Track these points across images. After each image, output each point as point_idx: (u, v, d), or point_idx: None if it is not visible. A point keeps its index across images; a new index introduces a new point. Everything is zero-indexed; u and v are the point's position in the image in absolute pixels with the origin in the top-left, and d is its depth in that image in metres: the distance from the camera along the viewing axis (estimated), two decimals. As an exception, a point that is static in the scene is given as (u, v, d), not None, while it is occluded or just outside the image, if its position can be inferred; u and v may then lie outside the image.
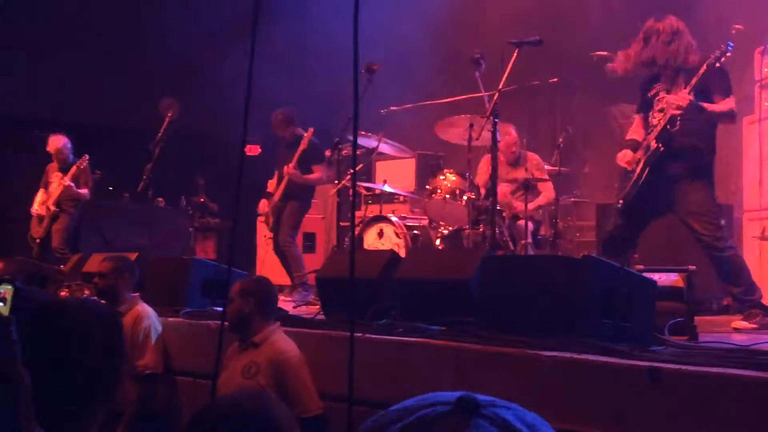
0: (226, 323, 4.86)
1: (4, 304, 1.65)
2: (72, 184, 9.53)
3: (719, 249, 5.40)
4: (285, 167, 8.24)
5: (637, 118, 5.98)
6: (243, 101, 2.13)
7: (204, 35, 11.78)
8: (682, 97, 5.35)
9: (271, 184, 8.77)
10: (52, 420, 1.69)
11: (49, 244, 9.62)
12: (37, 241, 9.68)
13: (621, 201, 5.70)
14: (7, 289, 1.65)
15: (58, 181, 9.61)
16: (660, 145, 5.51)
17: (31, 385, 1.56)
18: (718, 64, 5.36)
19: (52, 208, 9.55)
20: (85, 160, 9.63)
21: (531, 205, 8.18)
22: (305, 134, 8.30)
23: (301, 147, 8.21)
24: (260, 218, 10.37)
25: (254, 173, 9.56)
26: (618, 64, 5.87)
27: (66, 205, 9.67)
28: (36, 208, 9.72)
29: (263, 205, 8.60)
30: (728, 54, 5.35)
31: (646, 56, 5.62)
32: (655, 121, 5.64)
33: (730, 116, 5.57)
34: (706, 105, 5.40)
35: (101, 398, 1.92)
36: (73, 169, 9.59)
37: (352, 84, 2.04)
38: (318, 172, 8.37)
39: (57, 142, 9.74)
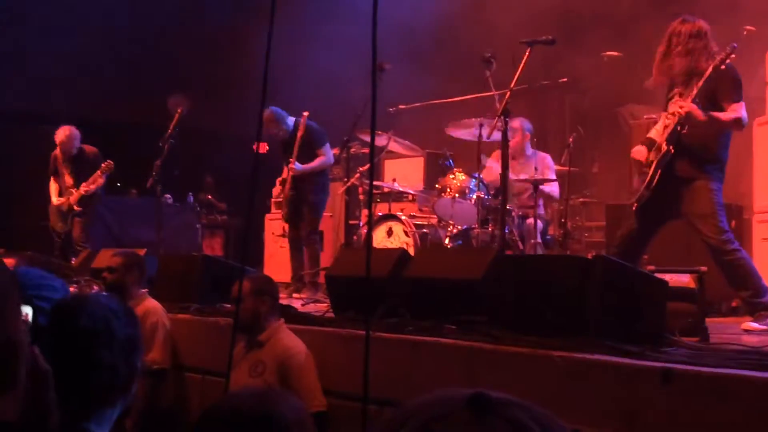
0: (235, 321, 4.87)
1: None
2: (92, 189, 9.45)
3: (726, 252, 5.35)
4: (290, 162, 8.08)
5: (662, 116, 5.93)
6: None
7: (214, 31, 11.79)
8: (684, 105, 5.34)
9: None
10: (73, 415, 1.70)
11: (71, 236, 9.57)
12: (62, 234, 9.63)
13: (635, 204, 5.67)
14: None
15: (78, 185, 9.48)
16: (670, 148, 5.49)
17: (54, 377, 1.59)
18: (723, 66, 5.33)
19: (77, 208, 9.47)
20: (110, 167, 9.51)
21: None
22: (300, 120, 8.12)
23: (299, 133, 8.04)
24: (268, 216, 10.38)
25: (262, 171, 9.58)
26: (653, 78, 5.85)
27: (87, 204, 9.64)
28: (56, 200, 9.60)
29: (277, 191, 8.54)
30: (732, 56, 5.31)
31: (666, 65, 5.61)
32: (667, 123, 5.62)
33: (736, 124, 5.47)
34: (711, 114, 5.36)
35: (120, 393, 1.93)
36: (97, 174, 9.48)
37: (371, 84, 2.02)
38: (321, 156, 8.21)
39: (65, 132, 9.55)
